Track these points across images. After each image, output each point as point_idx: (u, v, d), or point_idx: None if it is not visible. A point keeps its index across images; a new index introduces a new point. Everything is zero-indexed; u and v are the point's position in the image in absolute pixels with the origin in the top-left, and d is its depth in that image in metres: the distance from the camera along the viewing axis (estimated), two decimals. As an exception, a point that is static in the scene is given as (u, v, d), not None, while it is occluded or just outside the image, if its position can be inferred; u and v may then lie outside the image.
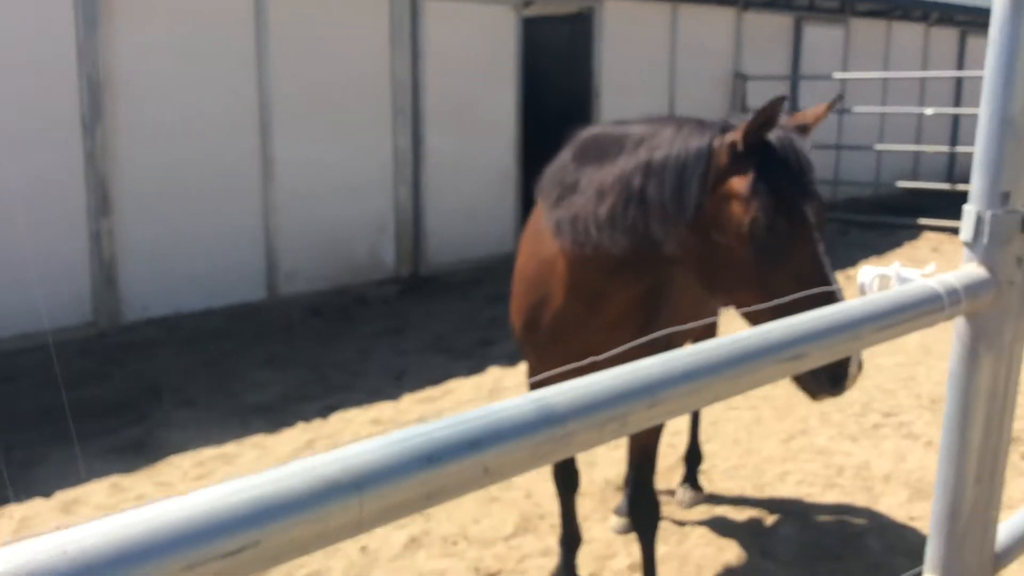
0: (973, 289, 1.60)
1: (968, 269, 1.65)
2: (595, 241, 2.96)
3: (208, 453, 5.81)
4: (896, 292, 1.47)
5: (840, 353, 1.37)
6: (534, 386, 3.81)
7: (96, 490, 5.32)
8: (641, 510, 3.86)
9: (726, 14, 14.45)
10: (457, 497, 0.90)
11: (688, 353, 1.10)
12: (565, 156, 3.19)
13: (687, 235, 2.76)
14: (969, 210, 1.68)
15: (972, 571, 1.74)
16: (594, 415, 0.96)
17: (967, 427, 1.67)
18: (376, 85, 9.85)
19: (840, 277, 10.76)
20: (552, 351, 3.40)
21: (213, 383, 7.12)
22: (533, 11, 11.93)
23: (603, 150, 2.99)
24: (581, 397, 0.96)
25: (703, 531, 4.77)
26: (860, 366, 2.52)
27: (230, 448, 5.90)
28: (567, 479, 4.14)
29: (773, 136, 2.70)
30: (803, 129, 2.84)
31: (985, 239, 1.65)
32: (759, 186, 2.63)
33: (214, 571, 0.70)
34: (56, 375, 7.12)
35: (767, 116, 2.61)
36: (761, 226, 2.60)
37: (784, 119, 2.81)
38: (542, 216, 3.25)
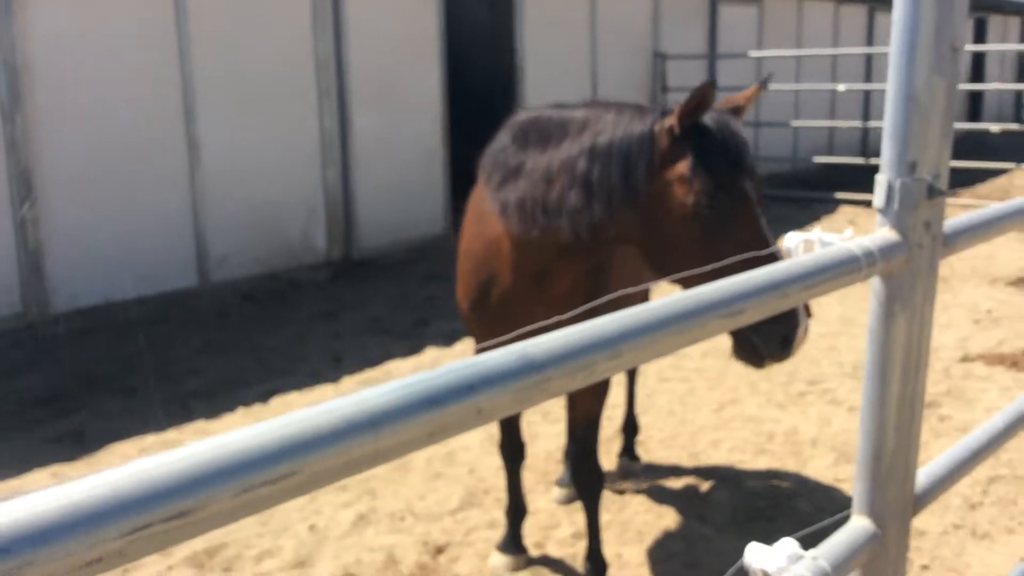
0: (887, 251, 1.77)
1: (881, 233, 1.82)
2: (543, 225, 3.07)
3: (150, 440, 5.82)
4: (819, 254, 1.63)
5: (772, 310, 1.52)
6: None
7: (37, 479, 5.30)
8: (585, 477, 3.98)
9: (646, -7, 14.68)
10: (455, 435, 1.02)
11: (643, 310, 1.24)
12: (504, 138, 3.29)
13: (633, 218, 2.90)
14: (880, 179, 1.85)
15: (894, 511, 1.92)
16: (567, 364, 1.09)
17: (886, 379, 1.85)
18: (300, 66, 9.82)
19: (762, 250, 11.11)
20: (499, 329, 3.50)
21: (149, 371, 7.09)
22: (454, -10, 11.98)
23: (546, 134, 3.11)
24: (556, 348, 1.09)
25: (642, 499, 4.96)
26: (807, 330, 2.70)
27: (172, 435, 5.92)
28: (513, 452, 4.26)
29: (708, 118, 2.85)
30: (737, 111, 3.00)
31: (896, 205, 1.81)
32: (698, 167, 2.78)
33: (261, 496, 0.82)
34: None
35: (699, 100, 2.76)
36: (704, 205, 2.76)
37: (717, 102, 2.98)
38: (484, 197, 3.35)
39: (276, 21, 9.55)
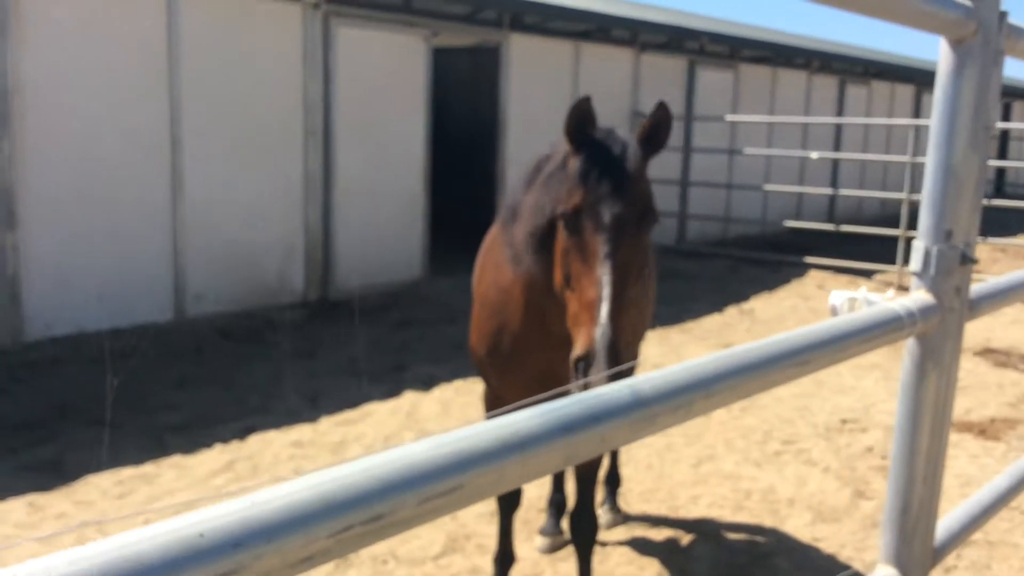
0: (924, 313, 1.87)
1: (918, 296, 1.93)
2: (526, 264, 3.17)
3: (127, 472, 5.77)
4: (869, 312, 1.73)
5: (831, 362, 1.61)
6: (491, 406, 3.99)
7: (13, 508, 5.23)
8: (582, 526, 4.03)
9: (625, 54, 15.00)
10: (583, 460, 1.09)
11: (730, 356, 1.32)
12: (517, 179, 3.41)
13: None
14: (918, 245, 1.96)
15: (919, 562, 2.00)
16: (670, 400, 1.17)
17: (916, 433, 1.94)
18: (288, 106, 9.92)
19: (734, 311, 11.27)
20: (513, 371, 3.57)
21: (123, 403, 7.02)
22: (441, 41, 12.17)
23: (537, 172, 3.23)
24: (661, 386, 1.17)
25: (624, 551, 5.00)
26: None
27: (148, 468, 5.87)
28: (510, 497, 4.29)
29: (598, 135, 2.94)
30: (649, 137, 3.00)
31: (932, 270, 1.92)
32: (573, 183, 2.88)
33: (436, 507, 0.88)
34: (-41, 393, 6.94)
35: (577, 114, 2.87)
36: (568, 219, 2.85)
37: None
38: (499, 241, 3.43)
39: (268, 59, 9.65)
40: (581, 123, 2.86)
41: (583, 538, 4.07)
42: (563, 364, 2.88)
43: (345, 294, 10.55)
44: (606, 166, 2.85)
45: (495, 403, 3.90)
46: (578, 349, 2.66)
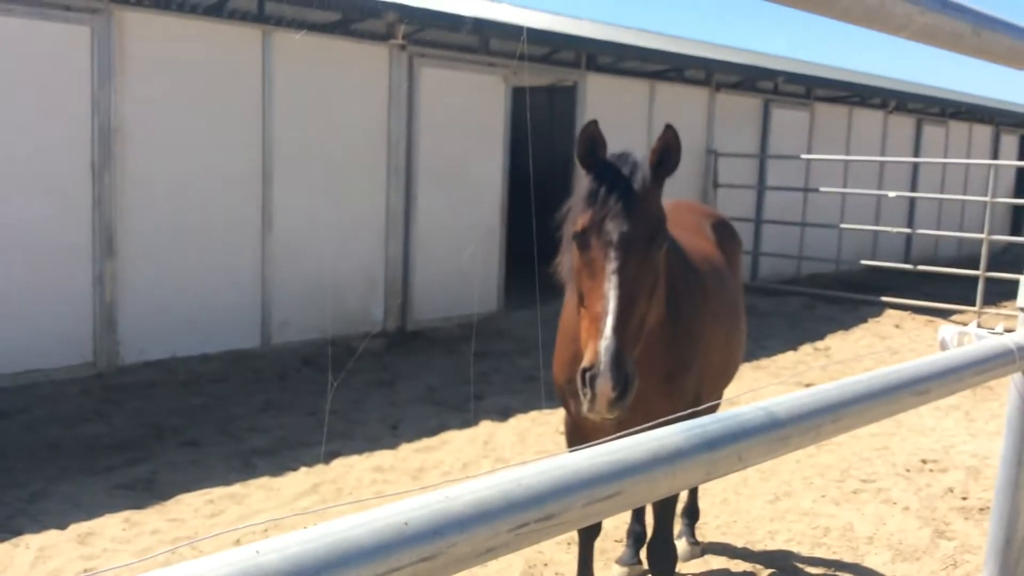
0: (1033, 347, 1.94)
1: (1025, 331, 2.01)
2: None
3: (217, 492, 5.98)
4: (984, 345, 1.82)
5: (950, 392, 1.70)
6: (571, 433, 4.09)
7: (109, 524, 5.45)
8: (661, 556, 4.10)
9: (700, 93, 15.10)
10: (726, 475, 1.20)
11: (855, 383, 1.43)
12: None
13: None
14: (1025, 281, 2.04)
15: (1018, 593, 2.06)
16: (801, 423, 1.28)
17: (1021, 467, 2.01)
18: (373, 145, 10.22)
19: (809, 348, 11.21)
20: None
21: (213, 425, 7.29)
22: (519, 80, 12.41)
23: None
24: (794, 408, 1.28)
25: (702, 582, 5.04)
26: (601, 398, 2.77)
27: (237, 488, 6.08)
28: (591, 525, 4.38)
29: (610, 158, 3.06)
30: (660, 160, 3.12)
31: (1037, 306, 2.01)
32: (577, 204, 3.00)
33: (596, 511, 1.00)
34: (59, 412, 7.26)
35: (584, 139, 2.99)
36: (578, 239, 2.98)
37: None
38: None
39: (355, 100, 9.98)
40: (591, 146, 3.00)
41: (661, 568, 4.12)
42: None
43: (422, 325, 10.77)
44: (613, 185, 2.97)
45: (575, 430, 3.99)
46: (584, 362, 2.79)
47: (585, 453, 1.04)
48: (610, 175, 3.01)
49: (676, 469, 1.09)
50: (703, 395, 3.94)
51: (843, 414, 1.34)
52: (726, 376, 4.63)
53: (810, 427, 1.28)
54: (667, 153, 3.12)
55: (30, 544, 5.15)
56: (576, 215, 3.04)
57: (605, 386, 2.75)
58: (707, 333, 3.93)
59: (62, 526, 5.38)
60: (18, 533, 5.27)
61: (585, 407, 2.85)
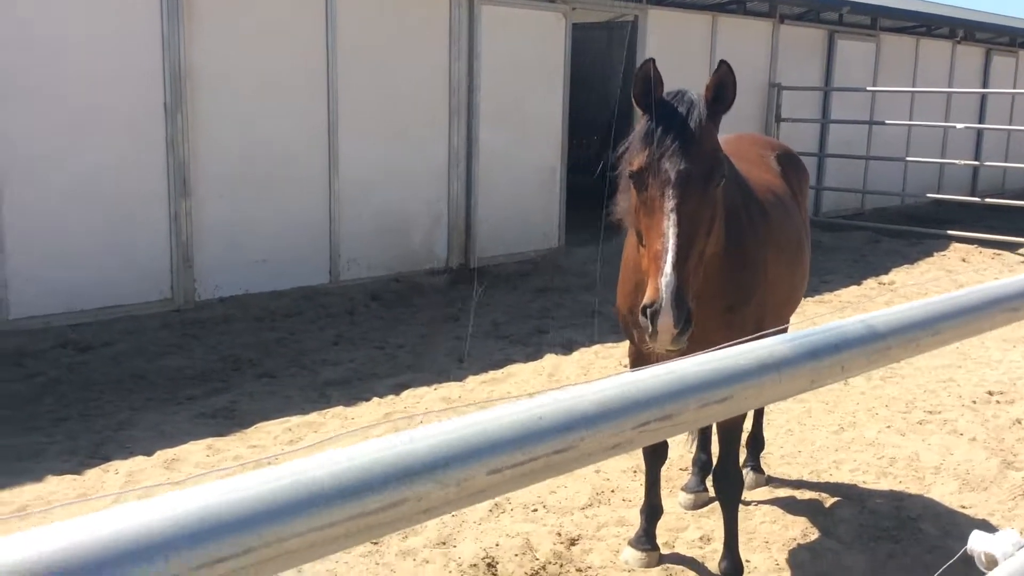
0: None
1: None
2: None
3: (295, 421, 6.21)
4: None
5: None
6: (635, 363, 4.19)
7: (193, 450, 5.70)
8: (727, 483, 4.19)
9: (763, 26, 14.84)
10: (825, 386, 1.31)
11: (952, 298, 1.52)
12: None
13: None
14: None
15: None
16: (902, 335, 1.37)
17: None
18: (434, 86, 10.29)
19: (873, 283, 11.15)
20: None
21: (287, 358, 7.54)
22: (578, 16, 12.32)
23: None
24: (893, 322, 1.38)
25: (767, 509, 5.14)
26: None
27: (314, 417, 6.30)
28: (656, 450, 4.49)
29: (667, 96, 3.10)
30: (716, 96, 3.17)
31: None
32: (634, 144, 3.05)
33: (710, 413, 1.11)
34: (142, 345, 7.56)
35: (641, 77, 3.03)
36: (635, 178, 3.04)
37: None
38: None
39: (416, 45, 10.03)
40: (647, 85, 3.04)
41: (728, 495, 4.21)
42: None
43: (485, 261, 10.91)
44: (669, 124, 3.02)
45: (638, 360, 4.07)
46: (645, 298, 2.88)
47: (694, 360, 1.14)
48: (666, 114, 3.07)
49: (782, 376, 1.18)
50: (766, 325, 4.02)
51: (942, 327, 1.42)
52: (790, 305, 4.68)
53: (909, 339, 1.37)
54: (722, 89, 3.16)
55: (119, 469, 5.39)
56: (633, 155, 3.11)
57: (667, 322, 2.85)
58: (770, 265, 3.98)
59: (148, 452, 5.62)
60: (107, 459, 5.52)
61: (648, 341, 2.96)
